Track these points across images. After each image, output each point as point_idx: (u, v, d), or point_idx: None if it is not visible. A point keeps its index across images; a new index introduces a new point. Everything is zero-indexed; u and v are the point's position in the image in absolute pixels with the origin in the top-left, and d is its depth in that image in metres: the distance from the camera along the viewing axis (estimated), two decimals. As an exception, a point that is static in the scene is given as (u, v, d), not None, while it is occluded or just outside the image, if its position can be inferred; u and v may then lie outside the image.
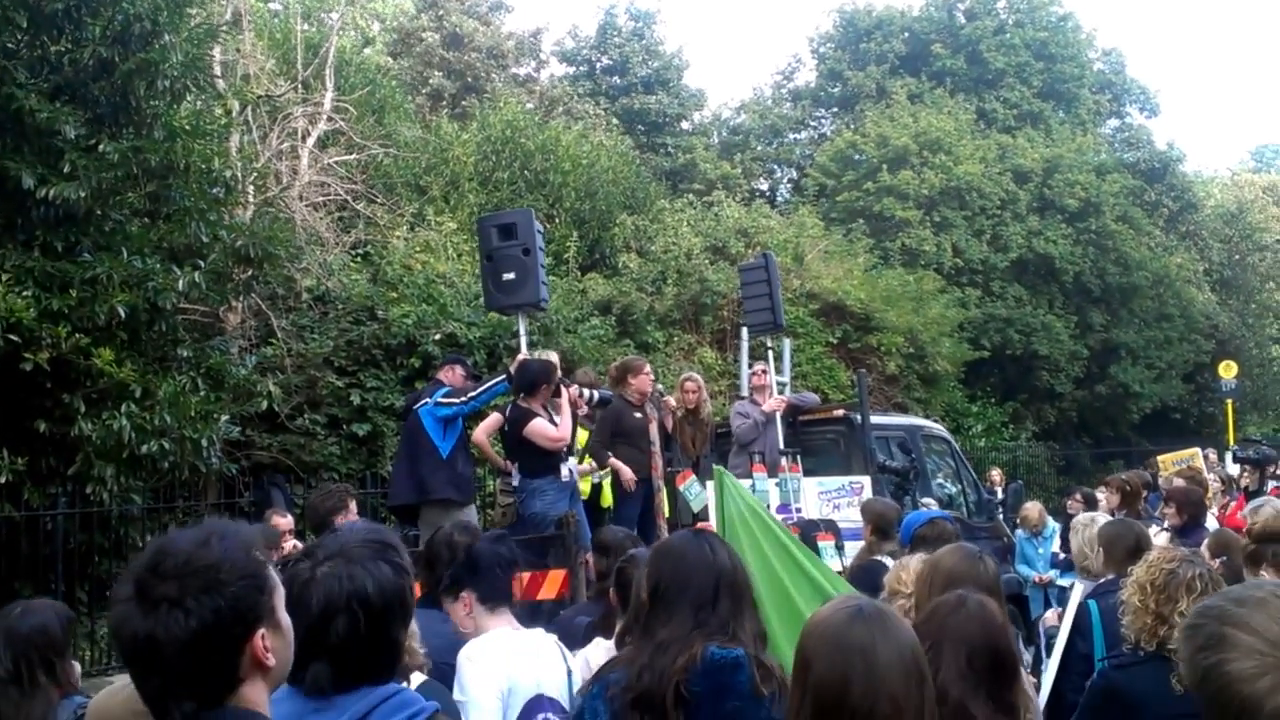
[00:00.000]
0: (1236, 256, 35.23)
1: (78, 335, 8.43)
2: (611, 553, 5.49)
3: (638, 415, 8.74)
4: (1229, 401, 25.25)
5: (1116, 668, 4.09)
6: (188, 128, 9.71)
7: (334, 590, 2.27)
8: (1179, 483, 9.73)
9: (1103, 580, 5.36)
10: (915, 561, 4.35)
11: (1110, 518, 6.71)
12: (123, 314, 8.58)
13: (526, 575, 7.77)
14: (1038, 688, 5.01)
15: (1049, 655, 5.55)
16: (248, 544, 1.96)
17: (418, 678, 3.30)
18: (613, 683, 2.89)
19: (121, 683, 2.88)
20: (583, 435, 9.12)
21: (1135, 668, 3.93)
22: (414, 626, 3.46)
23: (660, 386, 9.20)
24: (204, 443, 9.08)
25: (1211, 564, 4.46)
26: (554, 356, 8.73)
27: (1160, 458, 15.11)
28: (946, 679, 2.89)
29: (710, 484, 7.71)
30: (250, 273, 10.51)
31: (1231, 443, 18.99)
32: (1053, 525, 12.37)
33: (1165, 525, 8.05)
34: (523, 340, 8.76)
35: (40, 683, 3.72)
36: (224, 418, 9.65)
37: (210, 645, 1.88)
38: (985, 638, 2.96)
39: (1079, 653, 5.09)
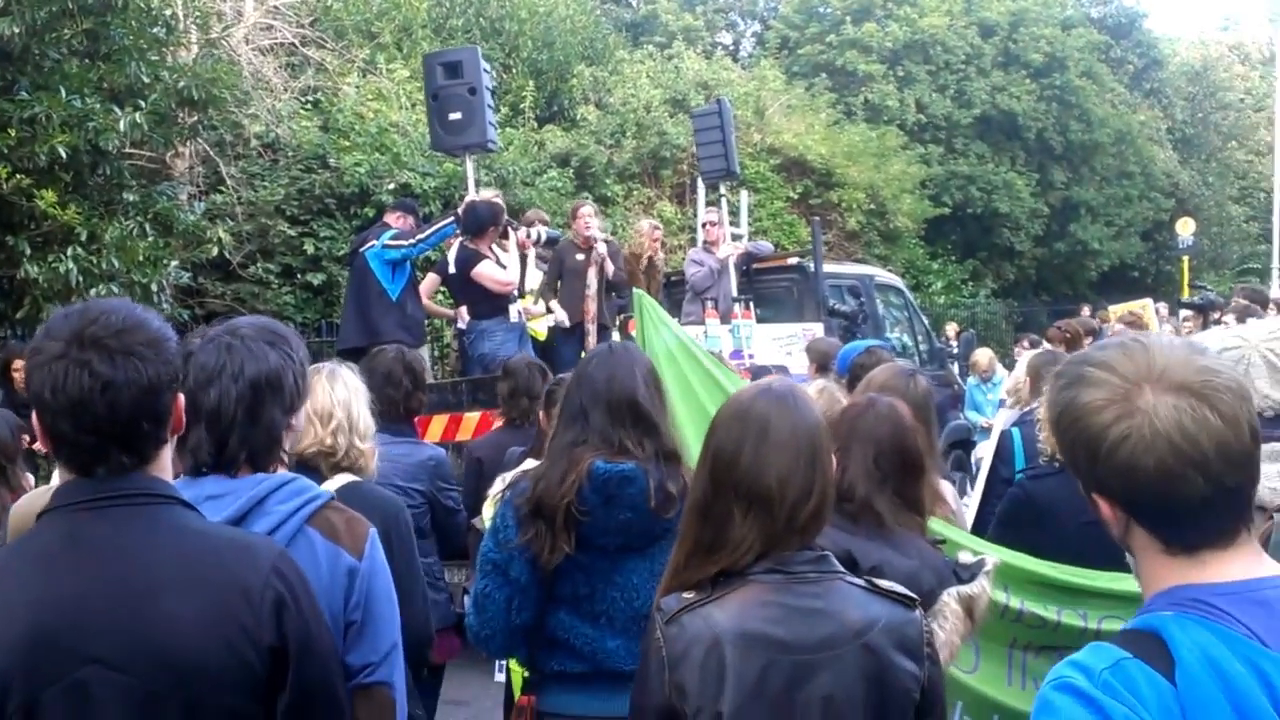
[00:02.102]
0: (1199, 115, 35.16)
1: (19, 176, 8.31)
2: (511, 377, 5.63)
3: (579, 257, 8.74)
4: (1185, 259, 25.47)
5: (1031, 478, 4.24)
6: (124, -38, 9.39)
7: (210, 362, 2.33)
8: (1120, 328, 9.87)
9: (1027, 409, 5.48)
10: (813, 388, 4.41)
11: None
12: (64, 155, 8.44)
13: (478, 415, 7.92)
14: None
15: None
16: (157, 314, 2.02)
17: (343, 478, 3.34)
18: (518, 492, 2.98)
19: (46, 487, 2.94)
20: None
21: (1049, 478, 4.05)
22: (369, 426, 3.50)
23: (599, 233, 9.11)
24: (153, 288, 9.06)
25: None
26: (498, 197, 8.65)
27: (1110, 308, 15.30)
28: (854, 476, 3.00)
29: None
30: (195, 117, 10.31)
31: (1185, 297, 19.19)
32: (1002, 373, 12.59)
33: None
34: (470, 182, 8.69)
35: None
36: (173, 263, 9.59)
37: (157, 397, 1.93)
38: (892, 438, 3.05)
39: (1000, 477, 5.23)
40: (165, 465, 2.03)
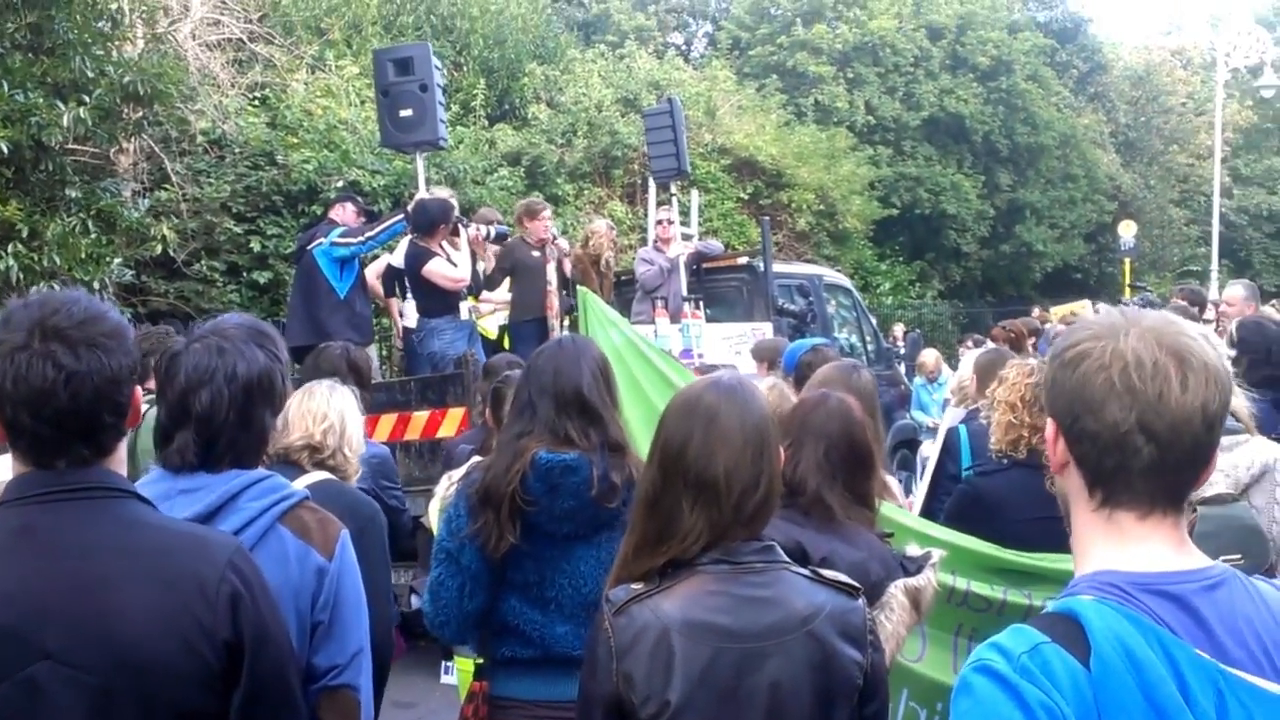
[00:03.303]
0: (1142, 119, 35.74)
1: (-42, 172, 8.17)
2: (491, 375, 5.58)
3: (535, 254, 8.73)
4: (1127, 260, 25.88)
5: (980, 474, 4.31)
6: (67, -45, 9.24)
7: (202, 364, 2.29)
8: (1061, 328, 10.01)
9: (973, 407, 5.54)
10: (763, 385, 4.44)
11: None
12: (5, 150, 8.29)
13: (426, 413, 7.88)
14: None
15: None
16: (111, 306, 2.01)
17: (321, 475, 3.34)
18: (470, 482, 3.03)
19: None
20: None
21: (998, 474, 4.12)
22: (360, 444, 3.55)
23: (555, 231, 9.14)
24: (95, 285, 8.90)
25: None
26: (450, 194, 8.61)
27: (1052, 309, 15.54)
28: (805, 470, 3.04)
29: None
30: (141, 112, 10.15)
31: (1126, 298, 19.52)
32: (948, 373, 12.73)
33: (1046, 367, 8.27)
34: (421, 180, 8.64)
35: None
36: (116, 261, 9.45)
37: (119, 389, 1.92)
38: (843, 433, 3.09)
39: (948, 473, 5.30)
40: (121, 459, 2.02)
